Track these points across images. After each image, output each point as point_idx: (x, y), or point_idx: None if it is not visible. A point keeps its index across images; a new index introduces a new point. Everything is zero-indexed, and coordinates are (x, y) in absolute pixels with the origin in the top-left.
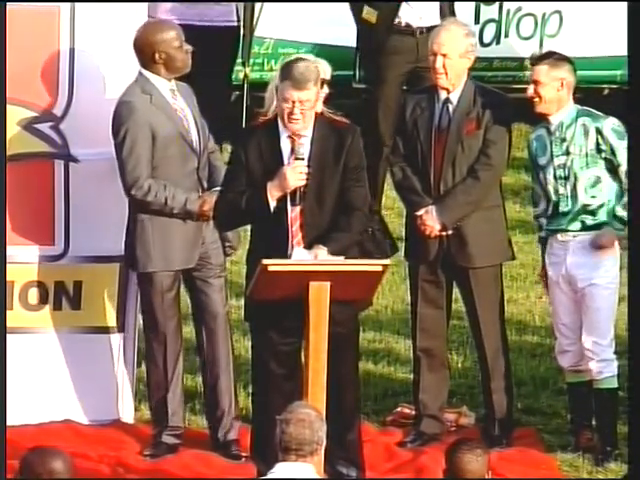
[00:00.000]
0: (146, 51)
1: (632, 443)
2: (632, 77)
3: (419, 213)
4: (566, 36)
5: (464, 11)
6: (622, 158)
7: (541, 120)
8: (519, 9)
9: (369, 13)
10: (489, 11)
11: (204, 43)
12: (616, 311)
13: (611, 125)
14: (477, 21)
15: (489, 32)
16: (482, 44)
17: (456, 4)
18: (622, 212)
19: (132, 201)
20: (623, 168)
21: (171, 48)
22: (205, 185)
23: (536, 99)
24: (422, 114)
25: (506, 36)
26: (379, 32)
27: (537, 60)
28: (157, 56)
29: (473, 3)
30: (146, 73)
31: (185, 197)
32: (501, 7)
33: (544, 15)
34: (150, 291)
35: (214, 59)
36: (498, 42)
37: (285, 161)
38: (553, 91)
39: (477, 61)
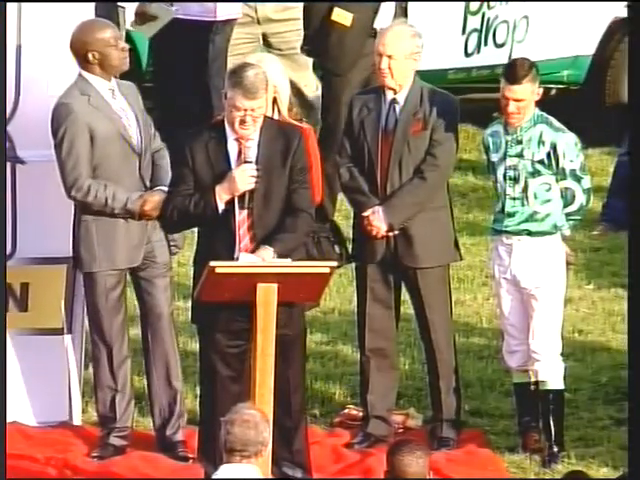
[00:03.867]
0: (80, 52)
1: (632, 444)
2: (632, 77)
3: (366, 214)
4: (533, 41)
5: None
6: (570, 175)
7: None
8: (497, 17)
9: (341, 16)
10: (474, 21)
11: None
12: (562, 313)
13: (566, 141)
14: (464, 31)
15: (472, 42)
16: (466, 54)
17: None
18: (565, 225)
19: (74, 202)
20: (569, 184)
21: (105, 47)
22: (148, 184)
23: (518, 115)
24: (369, 115)
25: (485, 45)
26: (353, 35)
27: (518, 78)
28: (90, 56)
29: (461, 13)
30: (84, 74)
31: (126, 197)
32: (483, 16)
33: (515, 21)
34: (94, 291)
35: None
36: (479, 51)
37: (232, 164)
38: (532, 105)
39: (457, 71)
